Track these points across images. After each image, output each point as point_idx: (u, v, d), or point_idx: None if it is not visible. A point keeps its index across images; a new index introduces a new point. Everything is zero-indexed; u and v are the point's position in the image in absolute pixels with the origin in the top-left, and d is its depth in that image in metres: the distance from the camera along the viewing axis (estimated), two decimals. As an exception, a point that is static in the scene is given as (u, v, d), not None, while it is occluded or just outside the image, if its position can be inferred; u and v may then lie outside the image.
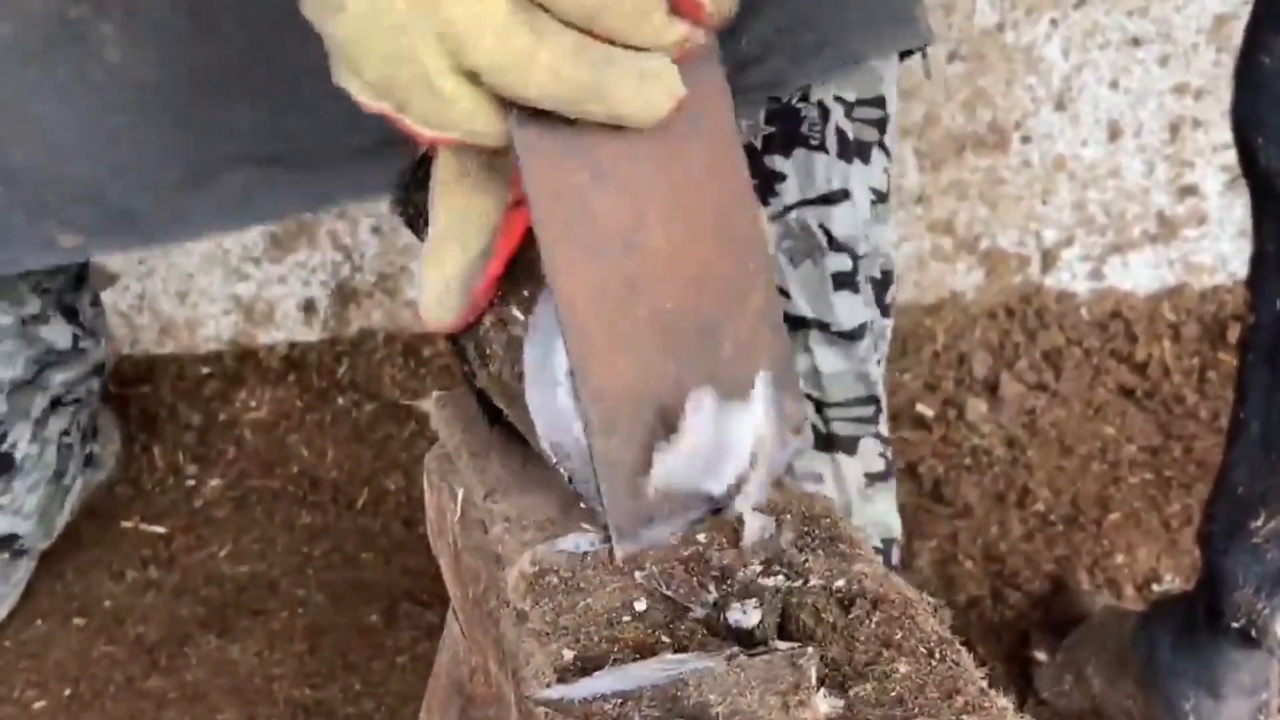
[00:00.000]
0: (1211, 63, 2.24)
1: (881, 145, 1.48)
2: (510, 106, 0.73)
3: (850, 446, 1.57)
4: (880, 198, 1.50)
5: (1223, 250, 2.35)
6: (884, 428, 1.60)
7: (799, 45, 1.40)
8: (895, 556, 1.65)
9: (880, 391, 1.57)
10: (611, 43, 0.71)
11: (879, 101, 1.47)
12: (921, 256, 2.32)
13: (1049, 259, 2.34)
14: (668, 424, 0.81)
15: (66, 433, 1.84)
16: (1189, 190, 2.33)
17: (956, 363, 2.26)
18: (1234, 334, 2.23)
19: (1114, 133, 2.28)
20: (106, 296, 2.07)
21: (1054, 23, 2.22)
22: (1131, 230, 2.34)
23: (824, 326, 1.51)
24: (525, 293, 0.83)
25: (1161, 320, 2.31)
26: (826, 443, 1.57)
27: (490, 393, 0.93)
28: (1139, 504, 2.02)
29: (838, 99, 1.44)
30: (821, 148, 1.46)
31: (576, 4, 0.69)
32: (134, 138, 1.40)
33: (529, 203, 0.77)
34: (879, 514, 1.61)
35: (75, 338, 1.78)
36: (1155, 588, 1.90)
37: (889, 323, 1.59)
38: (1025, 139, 2.28)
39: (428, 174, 0.90)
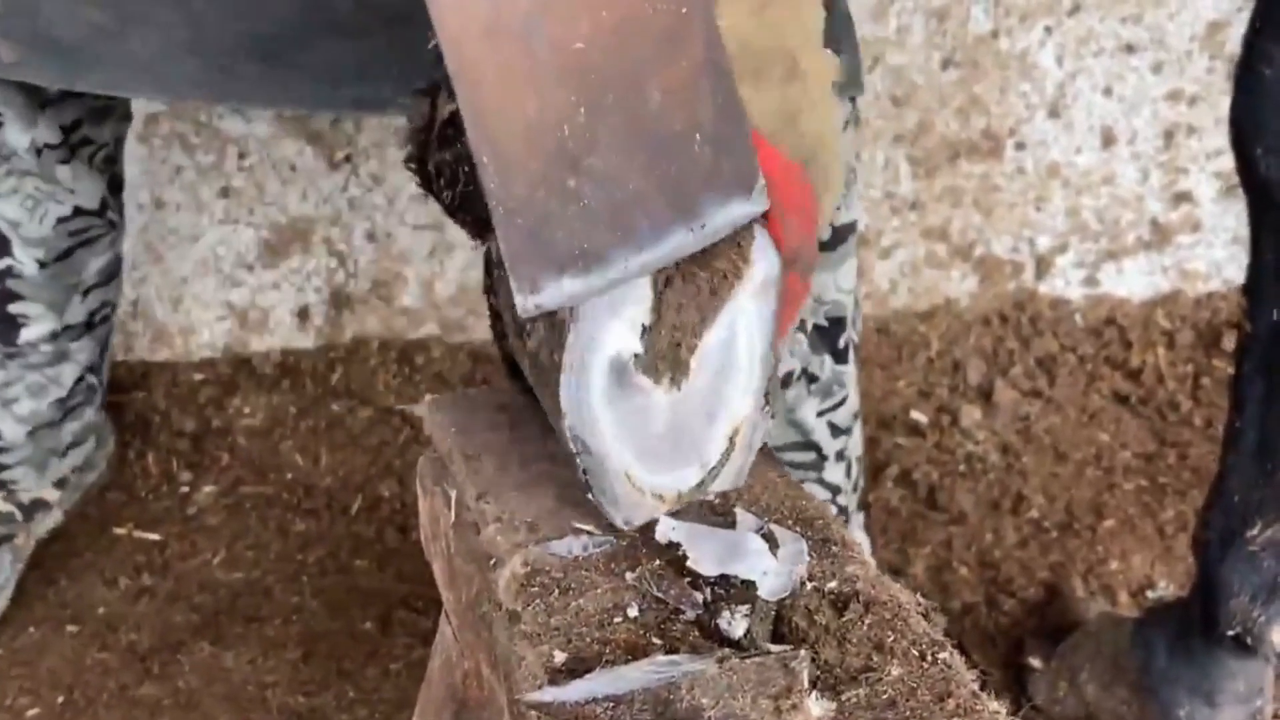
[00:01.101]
0: (1205, 69, 2.25)
1: None
2: None
3: None
4: (821, 245, 1.50)
5: (1217, 257, 2.35)
6: (837, 475, 1.60)
7: None
8: None
9: (824, 439, 1.57)
10: None
11: None
12: (916, 263, 2.32)
13: (1043, 266, 2.34)
14: (576, 172, 0.77)
15: (92, 369, 1.84)
16: (1183, 197, 2.33)
17: (951, 369, 2.26)
18: (1228, 341, 2.23)
19: (1108, 140, 2.29)
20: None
21: (1048, 30, 2.22)
22: (1125, 237, 2.34)
23: None
24: None
25: (1156, 327, 2.31)
26: None
27: (522, 364, 0.93)
28: (1133, 510, 2.02)
29: None
30: None
31: None
32: None
33: None
34: None
35: (104, 204, 1.77)
36: (1150, 594, 1.90)
37: (846, 369, 1.59)
38: (1019, 146, 2.28)
39: (447, 134, 0.88)
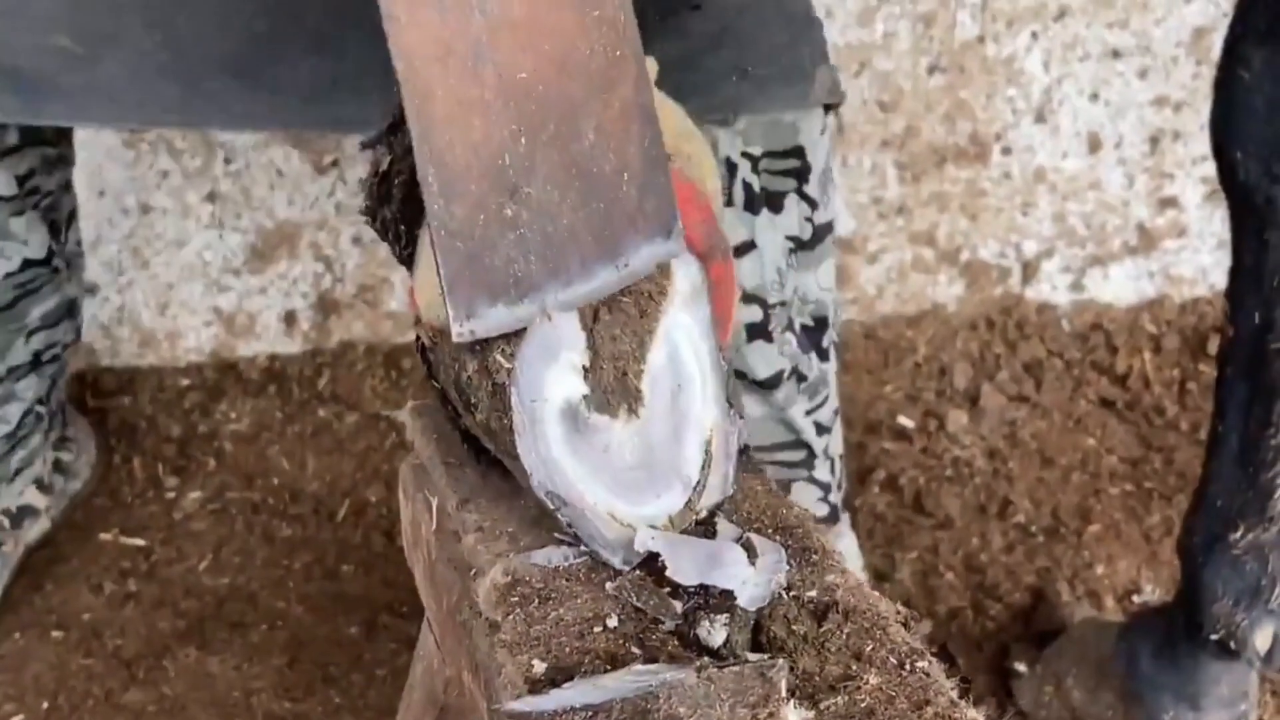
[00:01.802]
0: (1191, 75, 2.25)
1: (801, 194, 1.49)
2: None
3: (783, 489, 1.58)
4: (801, 245, 1.51)
5: (1203, 262, 2.35)
6: (825, 473, 1.60)
7: (677, 87, 1.41)
8: None
9: (812, 438, 1.58)
10: None
11: (795, 152, 1.47)
12: (903, 268, 2.33)
13: (1029, 271, 2.35)
14: (515, 200, 0.79)
15: (40, 400, 1.83)
16: (1169, 202, 2.33)
17: (937, 374, 2.27)
18: (1214, 346, 2.23)
19: (1094, 145, 2.29)
20: (85, 309, 2.06)
21: (1034, 35, 2.23)
22: (1112, 242, 2.34)
23: (740, 375, 1.52)
24: (507, 338, 0.82)
25: (1142, 332, 2.32)
26: None
27: (480, 438, 0.93)
28: (1119, 515, 2.03)
29: (745, 154, 1.45)
30: (728, 202, 1.47)
31: None
32: None
33: None
34: None
35: (50, 253, 1.75)
36: (1135, 599, 1.90)
37: (829, 367, 1.59)
38: (1006, 151, 2.29)
39: (389, 189, 0.90)
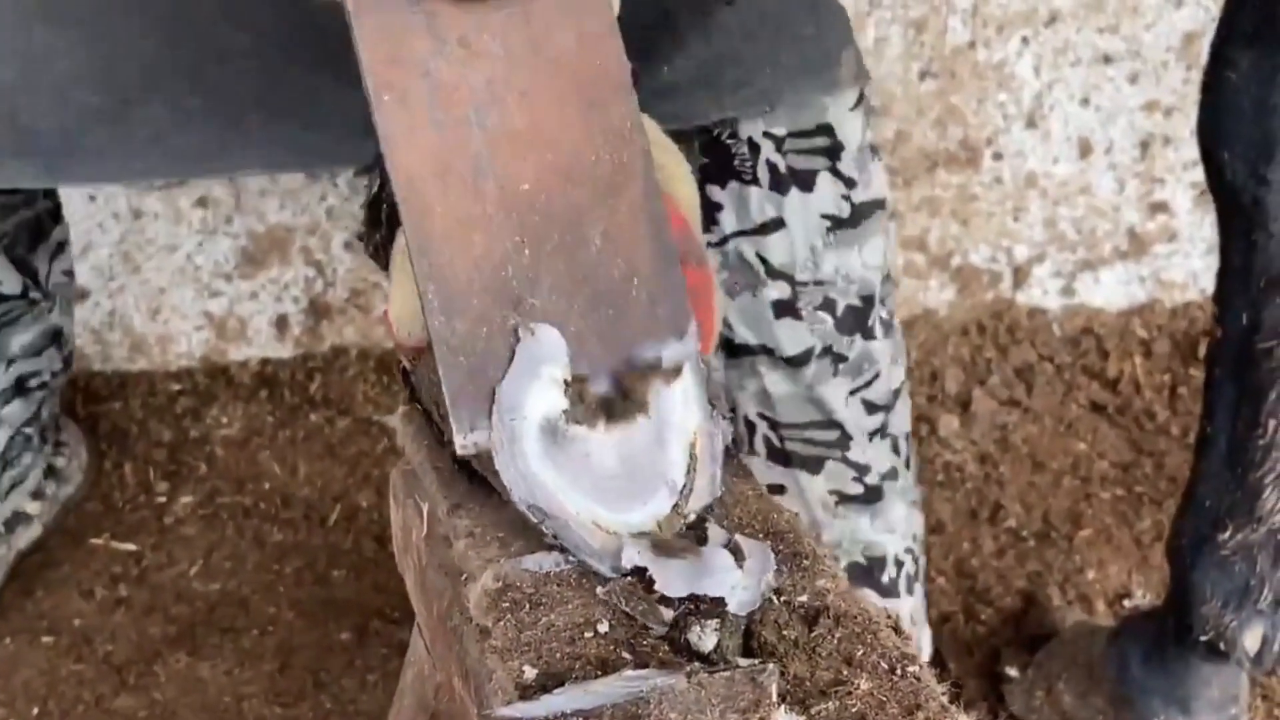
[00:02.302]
0: (1181, 80, 2.26)
1: (835, 172, 1.49)
2: None
3: (813, 466, 1.58)
4: (840, 223, 1.51)
5: (1193, 267, 2.36)
6: (862, 454, 1.60)
7: (719, 81, 1.42)
8: (893, 573, 1.64)
9: (846, 418, 1.57)
10: None
11: (823, 130, 1.48)
12: (894, 273, 2.33)
13: (1021, 275, 2.35)
14: (519, 310, 0.79)
15: (28, 423, 1.82)
16: (1159, 207, 2.34)
17: (929, 379, 2.27)
18: (1205, 350, 2.24)
19: (1085, 150, 2.30)
20: (77, 313, 2.06)
21: (1025, 40, 2.23)
22: (1103, 247, 2.35)
23: (769, 352, 1.52)
24: None
25: (1133, 337, 2.32)
26: (784, 458, 1.58)
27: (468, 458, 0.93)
28: (1110, 520, 2.03)
29: (766, 134, 1.46)
30: (754, 181, 1.48)
31: None
32: (53, 51, 1.35)
33: (361, 68, 0.73)
34: (855, 531, 1.61)
35: (25, 287, 1.74)
36: (1126, 603, 1.90)
37: (879, 344, 1.58)
38: (997, 156, 2.29)
39: (379, 213, 0.90)
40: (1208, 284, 2.32)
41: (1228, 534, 1.47)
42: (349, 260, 2.25)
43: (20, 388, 1.79)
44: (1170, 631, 1.55)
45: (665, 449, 0.86)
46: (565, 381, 0.83)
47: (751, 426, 1.58)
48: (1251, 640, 1.48)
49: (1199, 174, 1.83)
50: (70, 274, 1.86)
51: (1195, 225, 2.34)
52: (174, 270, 2.22)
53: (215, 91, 1.38)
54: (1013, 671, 1.74)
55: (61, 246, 1.81)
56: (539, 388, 0.82)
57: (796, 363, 1.53)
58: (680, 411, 0.86)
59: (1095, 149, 2.30)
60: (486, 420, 0.79)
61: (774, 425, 1.56)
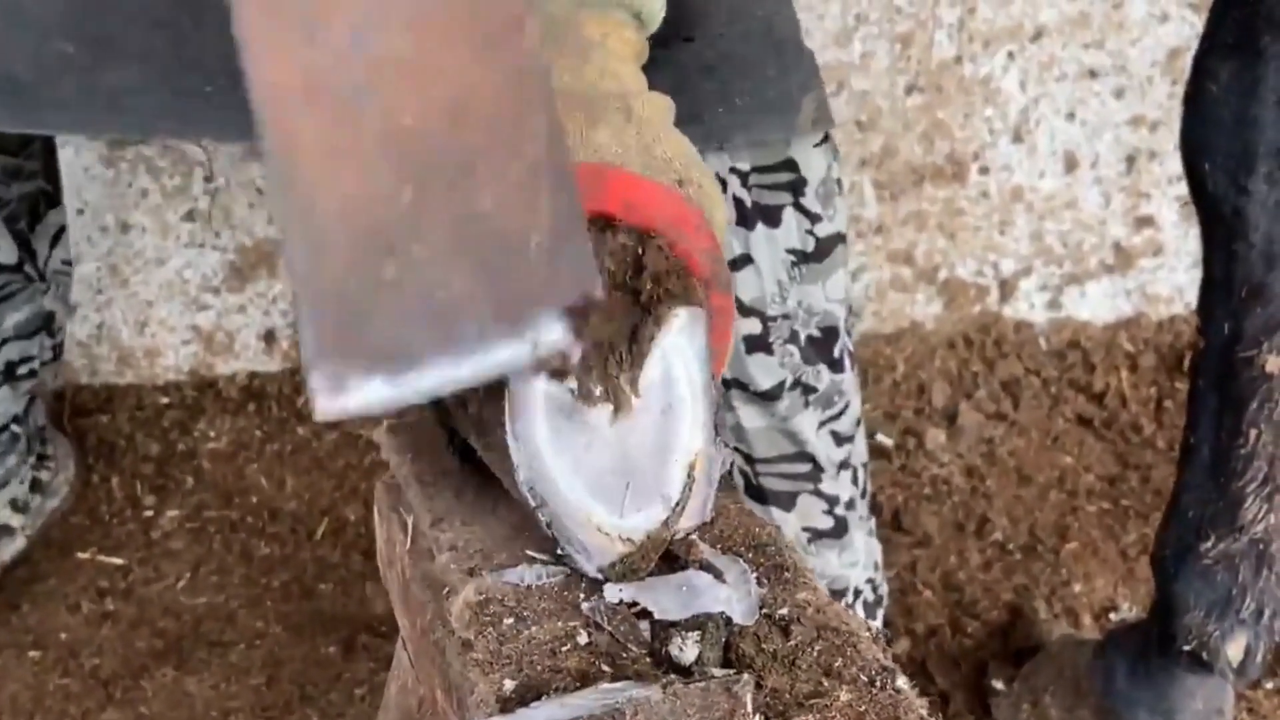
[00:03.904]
0: (1166, 95, 2.27)
1: (798, 207, 1.50)
2: None
3: (786, 502, 1.59)
4: (805, 258, 1.52)
5: (1179, 281, 2.37)
6: (832, 486, 1.61)
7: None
8: (850, 599, 1.66)
9: (818, 449, 1.58)
10: None
11: (787, 165, 1.48)
12: (881, 287, 2.33)
13: (1007, 289, 2.36)
14: (396, 260, 0.69)
15: (16, 420, 1.82)
16: (1145, 221, 2.35)
17: (916, 392, 2.27)
18: (1189, 361, 2.25)
19: (1071, 164, 2.31)
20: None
21: (1011, 55, 2.24)
22: (1089, 261, 2.36)
23: (742, 386, 1.53)
24: None
25: (1119, 350, 2.33)
26: (759, 495, 1.59)
27: (464, 430, 0.93)
28: (1096, 533, 2.03)
29: (733, 170, 1.46)
30: None
31: None
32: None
33: None
34: (825, 567, 1.62)
35: (21, 260, 1.75)
36: (1112, 616, 1.91)
37: (844, 377, 1.60)
38: (983, 170, 2.30)
39: None
40: (1193, 298, 2.32)
41: (1210, 543, 1.47)
42: (337, 274, 2.25)
43: (10, 374, 1.79)
44: (1154, 642, 1.55)
45: (666, 464, 0.87)
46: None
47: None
48: (1234, 650, 1.49)
49: (1184, 188, 1.85)
50: (69, 264, 1.86)
51: (1180, 239, 2.35)
52: (162, 284, 2.22)
53: (182, 54, 1.38)
54: (999, 684, 1.75)
55: (60, 233, 1.81)
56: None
57: (769, 396, 1.54)
58: (686, 431, 0.87)
59: (1081, 163, 2.31)
60: (357, 380, 0.68)
61: (749, 460, 1.57)
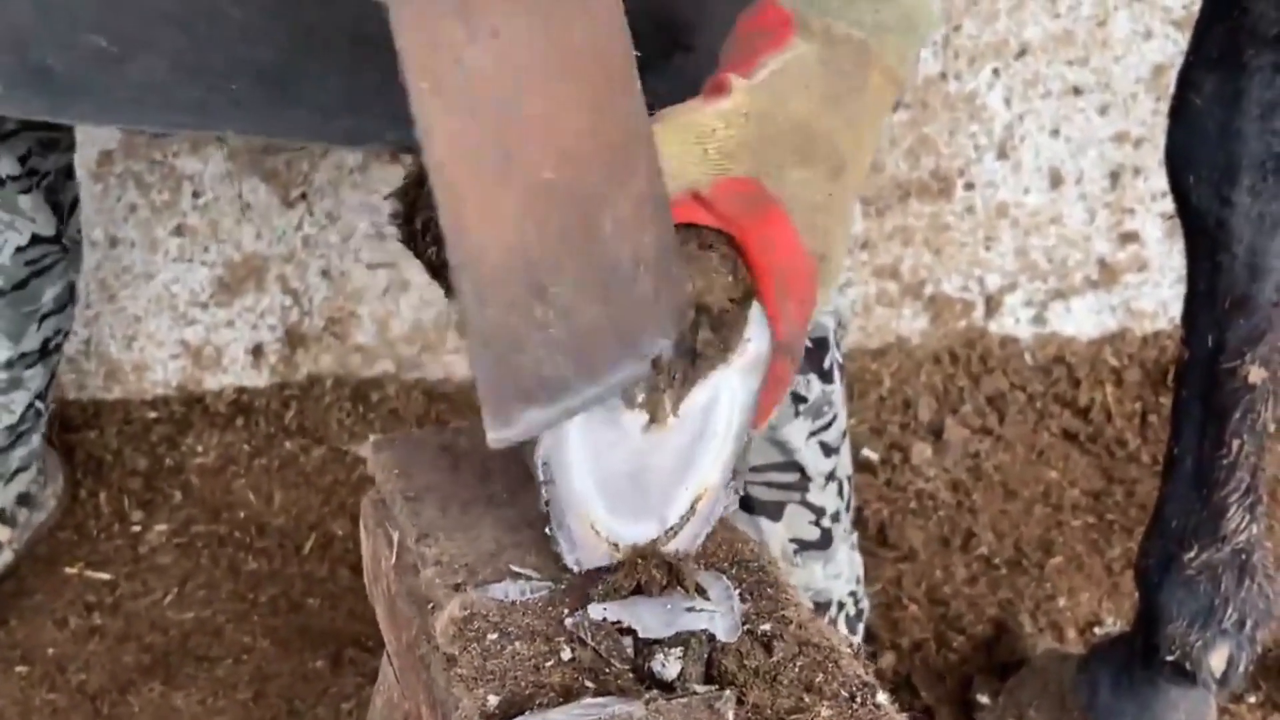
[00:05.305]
0: (1151, 111, 2.28)
1: None
2: None
3: (774, 512, 1.60)
4: None
5: (1163, 296, 2.38)
6: (822, 496, 1.62)
7: None
8: (833, 613, 1.66)
9: (806, 459, 1.59)
10: None
11: None
12: (867, 302, 2.34)
13: (993, 304, 2.37)
14: (542, 300, 0.78)
15: (41, 396, 1.83)
16: (1130, 237, 2.36)
17: (902, 407, 2.28)
18: (1173, 372, 2.26)
19: (1055, 180, 2.32)
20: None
21: (996, 72, 2.25)
22: (1073, 276, 2.37)
23: None
24: None
25: (1104, 365, 2.34)
26: (747, 505, 1.59)
27: None
28: (1081, 548, 2.04)
29: None
30: None
31: None
32: None
33: (400, 56, 0.73)
34: (810, 579, 1.63)
35: (59, 231, 1.77)
36: (1097, 631, 1.91)
37: (833, 388, 1.60)
38: (968, 186, 2.31)
39: (430, 195, 0.90)
40: (1178, 313, 2.33)
41: (1193, 554, 1.48)
42: (325, 289, 2.25)
43: (44, 350, 1.81)
44: (1138, 655, 1.56)
45: (679, 487, 0.88)
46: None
47: None
48: (1217, 661, 1.49)
49: (1169, 204, 1.86)
50: (80, 233, 1.88)
51: (1165, 255, 2.36)
52: (150, 299, 2.23)
53: (204, 51, 1.42)
54: (984, 699, 1.75)
55: (75, 203, 1.84)
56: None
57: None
58: (708, 464, 0.88)
59: (1066, 179, 2.32)
60: (518, 412, 0.78)
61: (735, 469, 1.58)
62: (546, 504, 0.84)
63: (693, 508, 0.88)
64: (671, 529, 0.88)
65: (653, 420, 0.85)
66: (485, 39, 0.74)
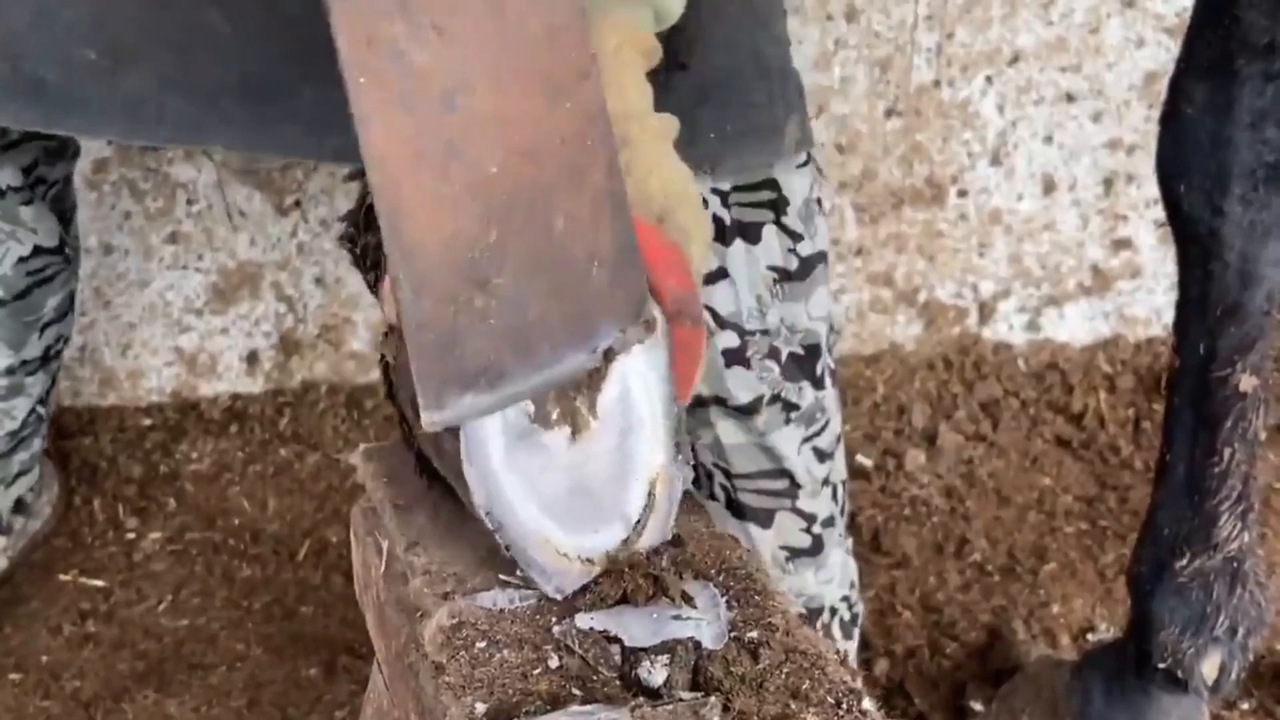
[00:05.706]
0: (1143, 118, 2.29)
1: (780, 225, 1.52)
2: None
3: (764, 519, 1.60)
4: (788, 276, 1.53)
5: (1157, 303, 2.38)
6: (810, 503, 1.62)
7: None
8: (827, 619, 1.66)
9: (797, 466, 1.59)
10: None
11: (768, 185, 1.50)
12: (861, 308, 2.35)
13: (986, 311, 2.37)
14: (485, 292, 0.80)
15: (43, 401, 1.84)
16: (1123, 244, 2.37)
17: (896, 413, 2.29)
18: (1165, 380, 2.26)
19: (1049, 187, 2.32)
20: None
21: (989, 79, 2.26)
22: (1067, 283, 2.37)
23: (721, 401, 1.54)
24: None
25: (1097, 371, 2.35)
26: (738, 510, 1.60)
27: (428, 454, 0.94)
28: (1074, 554, 2.04)
29: (714, 190, 1.48)
30: None
31: None
32: (62, 1, 1.41)
33: (337, 50, 0.74)
34: (802, 585, 1.63)
35: (62, 242, 1.77)
36: (1090, 637, 1.91)
37: (826, 394, 1.61)
38: (962, 193, 2.31)
39: (374, 217, 0.91)
40: (1170, 319, 2.35)
41: (1185, 561, 1.49)
42: (320, 296, 2.26)
43: (46, 357, 1.81)
44: (1131, 662, 1.56)
45: (626, 486, 0.87)
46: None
47: (710, 475, 1.60)
48: (1209, 668, 1.50)
49: (1161, 211, 1.87)
50: (78, 239, 1.88)
51: (1158, 261, 2.36)
52: (145, 306, 2.23)
53: (194, 67, 1.44)
54: (977, 705, 1.75)
55: (74, 209, 1.84)
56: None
57: (747, 411, 1.55)
58: (646, 451, 0.88)
59: (1059, 186, 2.32)
60: (453, 398, 0.80)
61: (728, 475, 1.58)
62: (507, 549, 0.85)
63: (650, 496, 0.88)
64: (638, 523, 0.88)
65: (575, 430, 0.86)
66: (427, 34, 0.75)
